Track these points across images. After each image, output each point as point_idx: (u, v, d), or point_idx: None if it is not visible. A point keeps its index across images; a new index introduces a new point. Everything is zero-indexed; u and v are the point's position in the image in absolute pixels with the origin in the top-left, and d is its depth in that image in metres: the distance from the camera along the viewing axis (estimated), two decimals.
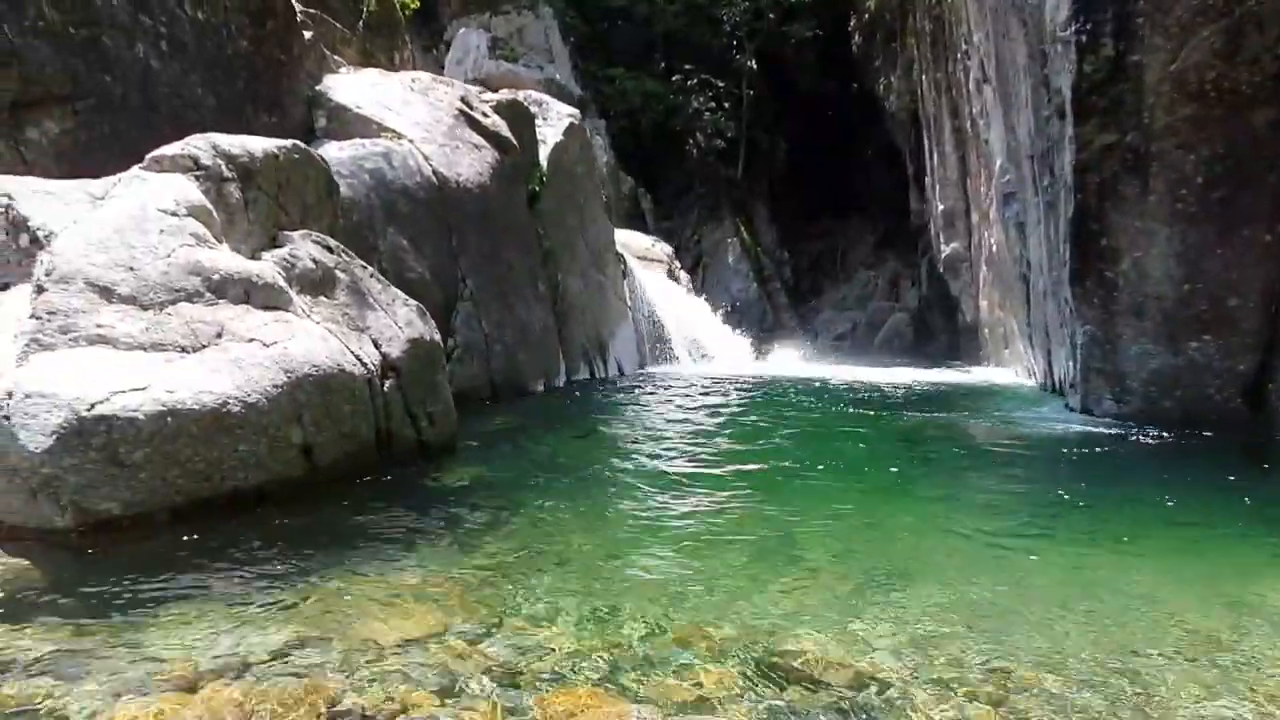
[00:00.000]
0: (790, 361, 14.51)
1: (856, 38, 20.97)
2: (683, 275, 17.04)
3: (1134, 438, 6.51)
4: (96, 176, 5.84)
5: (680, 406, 8.57)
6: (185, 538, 3.41)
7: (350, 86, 8.75)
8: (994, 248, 12.22)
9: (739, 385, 10.78)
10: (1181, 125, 6.78)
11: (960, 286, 15.66)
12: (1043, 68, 8.14)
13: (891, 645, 2.64)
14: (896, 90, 18.95)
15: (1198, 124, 6.72)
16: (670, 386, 10.65)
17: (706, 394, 9.65)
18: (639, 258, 14.66)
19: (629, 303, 12.92)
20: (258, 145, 4.81)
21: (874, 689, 2.35)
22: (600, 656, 2.49)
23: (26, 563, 3.02)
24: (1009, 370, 12.08)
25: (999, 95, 10.87)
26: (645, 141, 23.21)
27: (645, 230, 19.54)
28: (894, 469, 5.57)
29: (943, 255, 15.75)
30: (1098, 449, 6.17)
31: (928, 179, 17.10)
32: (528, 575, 3.26)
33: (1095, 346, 7.41)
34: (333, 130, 8.46)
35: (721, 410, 8.23)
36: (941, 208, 15.52)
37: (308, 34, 8.63)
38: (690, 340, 14.00)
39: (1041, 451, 6.29)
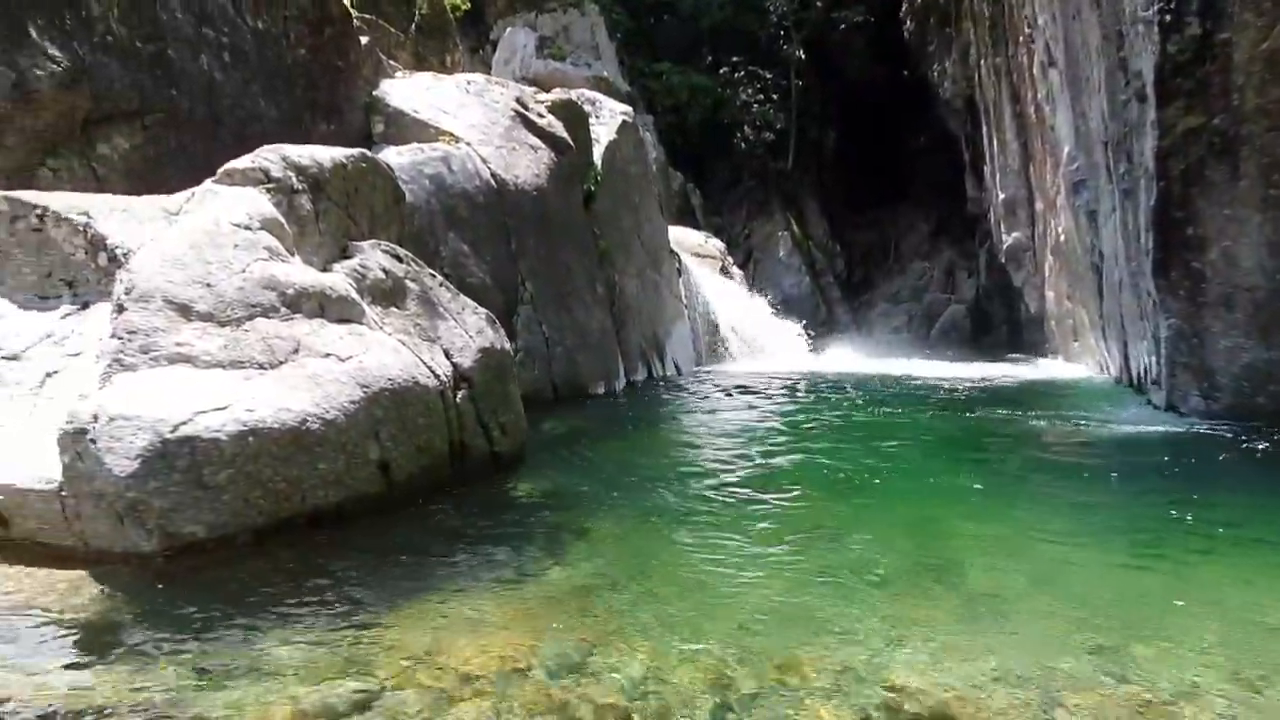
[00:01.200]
0: (847, 357, 14.24)
1: (908, 23, 20.52)
2: (735, 271, 16.83)
3: (1230, 438, 6.18)
4: (165, 191, 5.88)
5: (740, 408, 8.41)
6: (267, 560, 3.36)
7: (406, 91, 8.74)
8: (1062, 237, 11.83)
9: (797, 384, 10.58)
10: (1274, 107, 6.43)
11: (1023, 277, 15.22)
12: (1118, 50, 7.81)
13: (1008, 677, 2.47)
14: (951, 76, 18.50)
15: None
16: (727, 386, 10.48)
17: (765, 394, 9.46)
18: (692, 254, 14.51)
19: (684, 301, 12.78)
20: (325, 155, 4.77)
21: None
22: (707, 697, 2.36)
23: (116, 591, 2.99)
24: (1080, 364, 11.70)
25: (1066, 79, 10.50)
26: (693, 136, 23.04)
27: (695, 226, 19.37)
28: (974, 477, 5.33)
29: (1005, 245, 15.32)
30: (1190, 451, 5.88)
31: (986, 167, 16.67)
32: (612, 597, 3.13)
33: (1181, 341, 7.08)
34: (390, 135, 8.45)
35: (782, 412, 8.05)
36: (1003, 196, 15.09)
37: (364, 39, 8.64)
38: (745, 337, 13.82)
39: (1133, 455, 5.98)
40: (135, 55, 5.85)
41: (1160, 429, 6.64)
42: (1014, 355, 15.14)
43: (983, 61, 15.44)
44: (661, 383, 10.74)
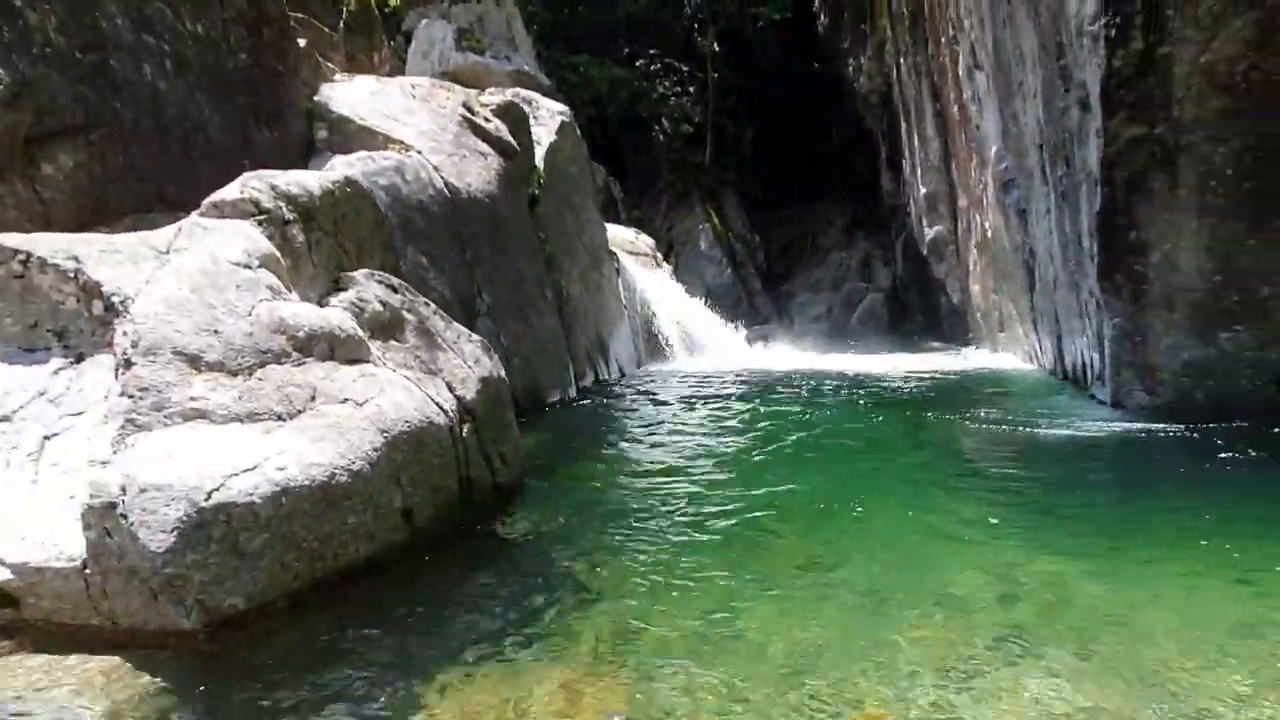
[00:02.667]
0: (786, 353, 14.47)
1: (822, 18, 20.89)
2: (665, 266, 16.87)
3: (1173, 434, 6.54)
4: (116, 211, 5.51)
5: (699, 412, 8.42)
6: (305, 630, 3.17)
7: (349, 95, 8.38)
8: (989, 233, 12.28)
9: (745, 382, 10.69)
10: (1212, 117, 6.79)
11: (945, 269, 15.75)
12: (1058, 59, 8.11)
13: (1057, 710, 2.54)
14: (867, 72, 18.93)
15: (1228, 116, 6.73)
16: (677, 387, 10.52)
17: (720, 395, 9.52)
18: (625, 252, 14.45)
19: (623, 301, 12.74)
20: (314, 183, 4.52)
21: None
22: None
23: (162, 681, 2.76)
24: (1008, 355, 12.20)
25: (994, 83, 10.87)
26: (612, 129, 22.91)
27: (617, 219, 19.30)
28: (949, 484, 5.47)
29: (927, 238, 15.82)
30: (1149, 448, 6.20)
31: (905, 162, 17.14)
32: (648, 649, 3.06)
33: (1125, 340, 7.44)
34: (335, 143, 8.10)
35: (743, 416, 8.10)
36: (924, 191, 15.56)
37: (301, 42, 8.23)
38: (685, 335, 13.88)
39: (1103, 457, 6.23)
40: (76, 66, 5.41)
41: (1113, 427, 6.95)
42: (938, 344, 15.69)
43: (902, 59, 15.84)
44: (610, 386, 10.68)
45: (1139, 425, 6.86)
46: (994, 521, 4.55)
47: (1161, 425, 6.74)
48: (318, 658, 2.99)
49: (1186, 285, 7.11)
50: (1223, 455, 5.80)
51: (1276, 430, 6.54)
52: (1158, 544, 4.10)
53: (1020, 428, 7.11)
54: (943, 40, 13.44)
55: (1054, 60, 8.20)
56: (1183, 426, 6.67)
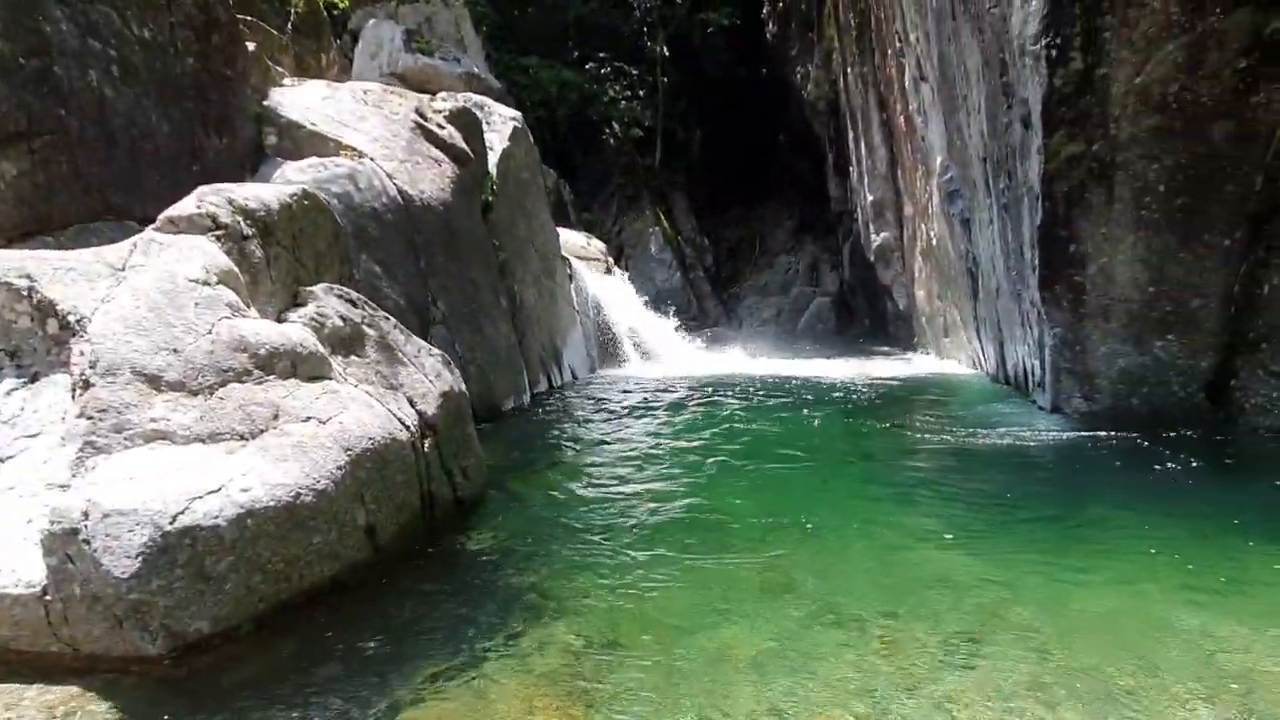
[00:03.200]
0: (736, 358, 14.62)
1: (771, 25, 21.14)
2: (617, 271, 16.91)
3: (1111, 440, 6.81)
4: (61, 220, 5.38)
5: (652, 419, 8.51)
6: (271, 654, 3.15)
7: (299, 101, 8.27)
8: (934, 241, 12.58)
9: (696, 388, 10.79)
10: (1145, 136, 7.08)
11: (891, 275, 16.07)
12: (1001, 75, 8.37)
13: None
14: (814, 79, 19.22)
15: (1161, 135, 7.03)
16: (630, 393, 10.58)
17: (672, 402, 9.62)
18: (577, 257, 14.47)
19: (576, 307, 12.76)
20: (271, 196, 4.47)
21: None
22: None
23: (126, 712, 2.73)
24: (952, 360, 12.51)
25: (940, 96, 11.15)
26: (561, 132, 22.90)
27: (567, 223, 19.29)
28: (897, 493, 5.60)
29: (874, 244, 16.12)
30: (1087, 455, 6.44)
31: (852, 169, 17.44)
32: (611, 664, 3.12)
33: (1065, 348, 7.72)
34: (285, 149, 7.99)
35: (696, 423, 8.22)
36: (871, 198, 15.87)
37: (250, 45, 8.10)
38: (638, 340, 13.95)
39: (1045, 464, 6.43)
40: (19, 72, 5.27)
41: (1054, 433, 7.19)
42: (884, 349, 16.00)
43: (849, 69, 16.13)
44: (565, 393, 10.70)
45: (1078, 432, 7.12)
46: (941, 531, 4.69)
47: (1099, 431, 7.01)
48: (283, 681, 2.98)
49: (1122, 296, 7.40)
50: (1157, 464, 6.06)
51: (1206, 436, 6.86)
52: (1099, 551, 4.28)
53: (964, 435, 7.32)
54: (889, 52, 13.73)
55: (997, 77, 8.45)
56: (1119, 433, 6.94)
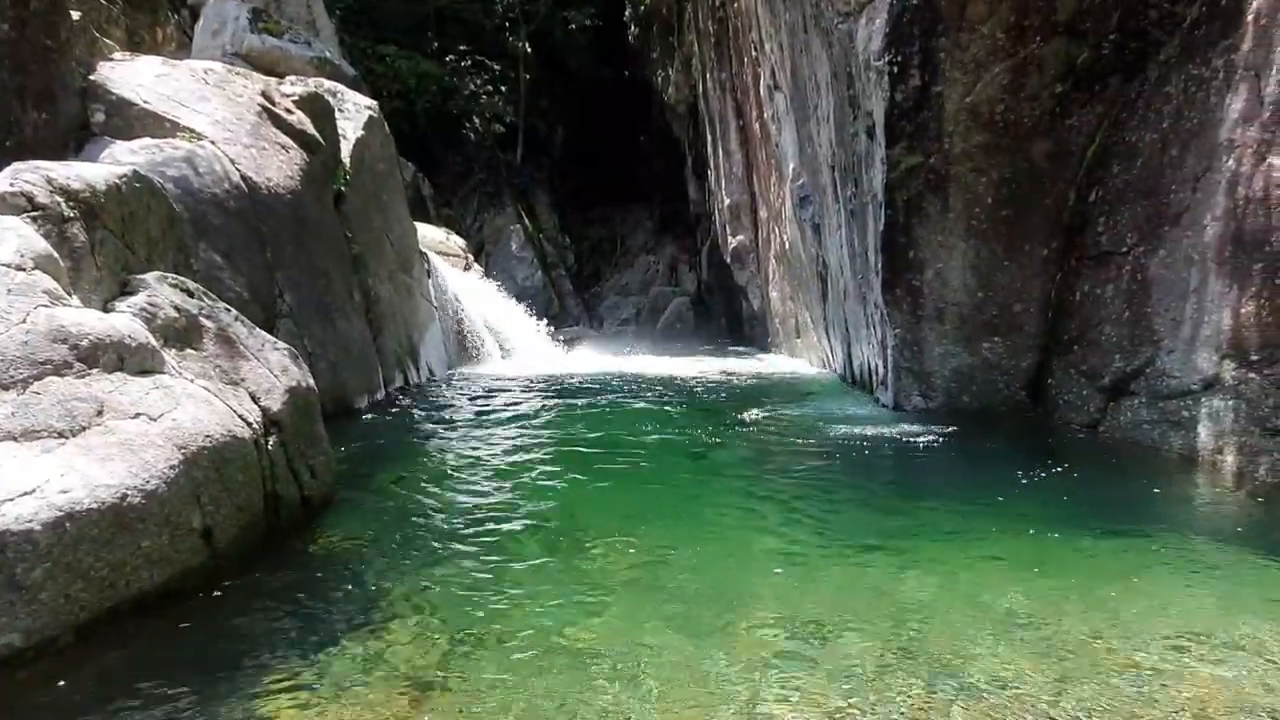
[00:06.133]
0: (595, 356, 14.70)
1: (632, 28, 21.37)
2: (476, 268, 16.68)
3: (943, 435, 7.27)
4: None
5: (510, 417, 8.46)
6: (94, 666, 2.93)
7: (131, 77, 7.72)
8: (787, 244, 13.06)
9: (555, 386, 10.82)
10: (975, 151, 7.60)
11: (746, 277, 16.57)
12: (848, 88, 8.79)
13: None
14: (675, 83, 19.58)
15: (988, 150, 7.57)
16: (488, 391, 10.48)
17: (531, 400, 9.61)
18: (436, 253, 14.18)
19: (434, 303, 12.51)
20: (97, 176, 4.16)
21: None
22: None
23: None
24: (803, 360, 13.03)
25: (793, 103, 11.60)
26: (420, 125, 22.34)
27: (426, 218, 18.87)
28: (748, 488, 5.76)
29: (730, 247, 16.57)
30: (921, 449, 6.87)
31: (710, 173, 17.87)
32: (474, 667, 3.04)
33: (905, 348, 8.18)
34: (115, 127, 7.44)
35: (554, 420, 8.26)
36: (727, 201, 16.30)
37: (75, 15, 7.50)
38: (495, 337, 13.80)
39: (885, 457, 6.78)
40: None
41: (895, 429, 7.60)
42: (740, 349, 16.49)
43: (707, 74, 16.51)
44: (421, 391, 10.46)
45: (915, 427, 7.55)
46: (791, 524, 4.89)
47: (933, 427, 7.46)
48: (108, 698, 2.77)
49: (955, 300, 7.92)
50: (979, 457, 6.53)
51: (1024, 432, 7.43)
52: (938, 539, 4.56)
53: (811, 431, 7.65)
54: (746, 60, 14.15)
55: (845, 89, 8.87)
56: (951, 428, 7.41)
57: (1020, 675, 2.96)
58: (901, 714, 2.73)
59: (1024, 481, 5.67)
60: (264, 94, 8.48)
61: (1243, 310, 5.54)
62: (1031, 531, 4.61)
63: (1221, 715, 2.71)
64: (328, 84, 11.20)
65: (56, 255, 3.73)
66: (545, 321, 16.64)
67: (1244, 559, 4.20)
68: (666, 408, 9.08)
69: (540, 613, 3.57)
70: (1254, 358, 5.48)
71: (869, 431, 7.54)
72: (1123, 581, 3.89)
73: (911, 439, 7.16)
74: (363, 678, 2.97)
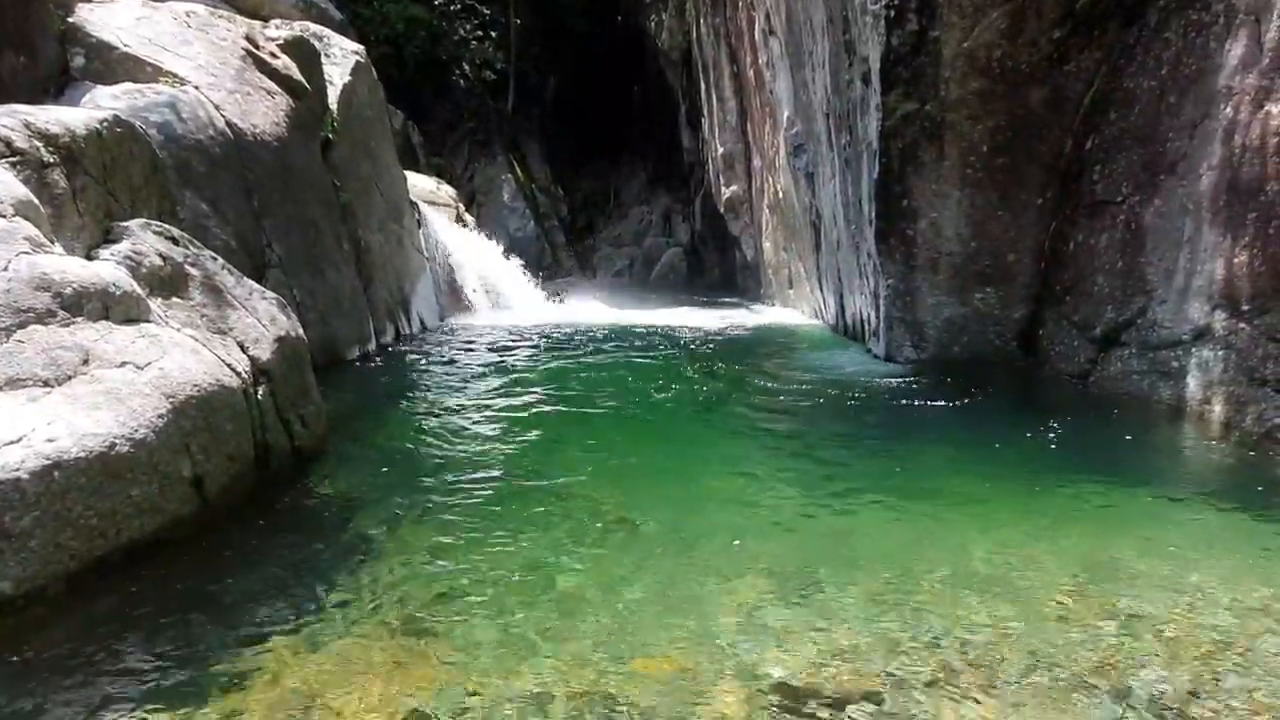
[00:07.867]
0: (589, 307, 14.63)
1: None
2: (469, 219, 16.52)
3: (936, 386, 7.29)
4: None
5: (502, 368, 8.44)
6: (85, 616, 2.94)
7: (110, 20, 7.52)
8: (780, 194, 12.95)
9: (547, 337, 10.78)
10: (971, 98, 7.49)
11: (740, 227, 16.45)
12: (844, 33, 8.63)
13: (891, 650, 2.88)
14: (668, 28, 19.23)
15: (984, 97, 7.46)
16: (480, 342, 10.45)
17: (522, 351, 9.59)
18: (426, 203, 14.03)
19: (425, 253, 12.40)
20: (77, 120, 4.07)
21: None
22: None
23: None
24: (795, 310, 13.00)
25: (787, 50, 11.40)
26: (409, 71, 21.90)
27: (416, 167, 18.62)
28: (740, 438, 5.81)
29: (723, 197, 16.43)
30: (914, 400, 6.89)
31: (704, 121, 17.64)
32: (464, 613, 3.08)
33: (897, 299, 8.16)
34: (95, 71, 7.27)
35: (545, 372, 8.25)
36: (721, 150, 16.12)
37: None
38: (487, 288, 13.73)
39: (876, 408, 6.78)
40: None
41: (890, 380, 7.61)
42: (733, 299, 16.43)
43: (702, 20, 16.20)
44: (412, 342, 10.43)
45: (907, 378, 7.57)
46: (781, 473, 4.93)
47: (925, 377, 7.48)
48: (98, 647, 2.78)
49: (948, 250, 7.87)
50: (970, 409, 6.55)
51: (1015, 382, 7.45)
52: (927, 488, 4.59)
53: (803, 382, 7.65)
54: (740, 4, 13.87)
55: (840, 34, 8.71)
56: (944, 378, 7.42)
57: (1002, 619, 3.01)
58: (882, 658, 2.77)
59: (1012, 431, 5.70)
60: (248, 38, 8.29)
61: (1235, 260, 5.52)
62: (1019, 480, 4.66)
63: (1194, 656, 2.76)
64: (314, 28, 10.94)
65: (37, 201, 3.67)
66: (538, 272, 16.56)
67: (1222, 506, 4.24)
68: (658, 359, 9.07)
69: (529, 558, 3.60)
70: (1245, 308, 5.47)
71: (860, 382, 7.56)
72: (1106, 529, 3.93)
73: (903, 390, 7.18)
74: (353, 625, 3.00)
